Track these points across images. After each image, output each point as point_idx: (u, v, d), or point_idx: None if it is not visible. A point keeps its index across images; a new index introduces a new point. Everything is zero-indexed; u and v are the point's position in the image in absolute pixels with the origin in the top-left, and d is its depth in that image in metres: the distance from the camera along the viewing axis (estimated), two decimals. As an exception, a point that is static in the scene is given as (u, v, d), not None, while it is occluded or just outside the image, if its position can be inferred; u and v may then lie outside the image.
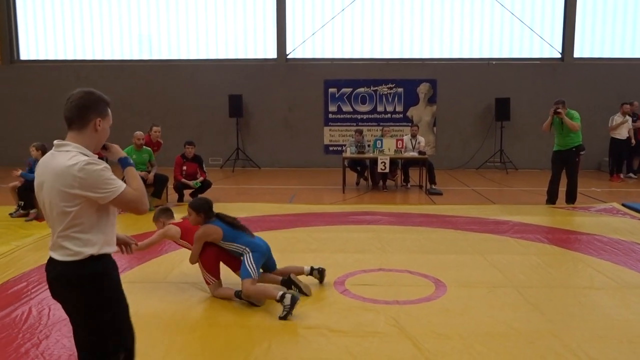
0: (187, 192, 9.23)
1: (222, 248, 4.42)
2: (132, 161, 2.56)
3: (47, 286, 2.49)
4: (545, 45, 14.49)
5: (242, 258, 4.32)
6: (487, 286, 4.76)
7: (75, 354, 2.49)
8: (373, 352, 3.46)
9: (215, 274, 4.44)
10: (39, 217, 7.58)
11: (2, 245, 6.10)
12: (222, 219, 4.46)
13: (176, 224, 4.70)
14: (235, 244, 4.38)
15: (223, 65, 14.85)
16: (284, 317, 3.91)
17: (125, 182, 2.41)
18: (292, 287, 4.46)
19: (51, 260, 2.38)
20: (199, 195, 4.21)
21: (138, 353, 2.59)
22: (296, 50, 14.81)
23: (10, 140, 14.59)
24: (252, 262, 4.27)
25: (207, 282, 4.47)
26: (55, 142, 2.40)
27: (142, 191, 2.42)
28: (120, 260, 4.40)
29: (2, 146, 14.65)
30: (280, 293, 4.02)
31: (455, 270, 5.23)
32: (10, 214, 7.79)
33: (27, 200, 7.70)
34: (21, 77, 15.04)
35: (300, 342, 3.59)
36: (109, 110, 2.46)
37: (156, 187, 8.62)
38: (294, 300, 3.94)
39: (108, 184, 2.28)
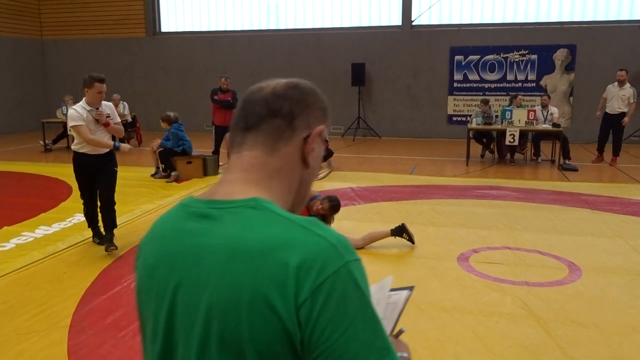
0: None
1: None
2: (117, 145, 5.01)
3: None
4: None
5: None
6: (629, 273, 4.36)
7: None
8: (498, 334, 3.33)
9: None
10: (179, 179, 8.23)
11: (147, 204, 6.73)
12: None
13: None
14: None
15: (347, 34, 14.82)
16: None
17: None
18: (403, 234, 4.91)
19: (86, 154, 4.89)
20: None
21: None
22: (422, 16, 14.34)
23: (152, 106, 15.88)
24: None
25: None
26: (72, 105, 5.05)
27: (94, 140, 4.84)
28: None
29: (144, 111, 16.01)
30: None
31: (591, 253, 4.85)
32: (152, 175, 8.54)
33: (167, 163, 8.38)
34: (162, 48, 16.23)
35: (423, 317, 3.56)
36: (94, 83, 4.78)
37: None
38: None
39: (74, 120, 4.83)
